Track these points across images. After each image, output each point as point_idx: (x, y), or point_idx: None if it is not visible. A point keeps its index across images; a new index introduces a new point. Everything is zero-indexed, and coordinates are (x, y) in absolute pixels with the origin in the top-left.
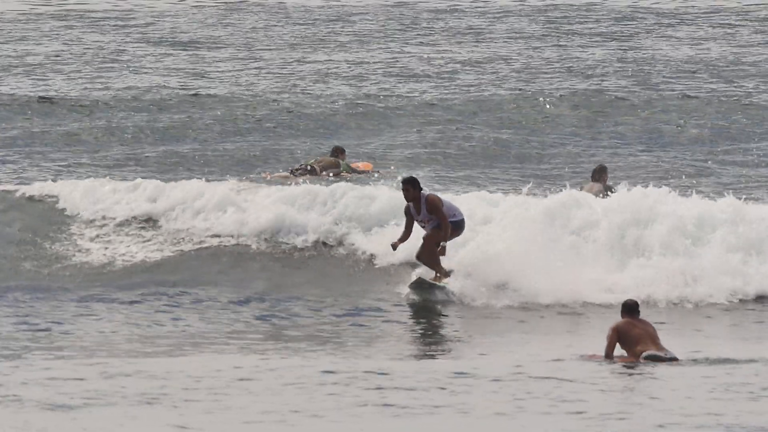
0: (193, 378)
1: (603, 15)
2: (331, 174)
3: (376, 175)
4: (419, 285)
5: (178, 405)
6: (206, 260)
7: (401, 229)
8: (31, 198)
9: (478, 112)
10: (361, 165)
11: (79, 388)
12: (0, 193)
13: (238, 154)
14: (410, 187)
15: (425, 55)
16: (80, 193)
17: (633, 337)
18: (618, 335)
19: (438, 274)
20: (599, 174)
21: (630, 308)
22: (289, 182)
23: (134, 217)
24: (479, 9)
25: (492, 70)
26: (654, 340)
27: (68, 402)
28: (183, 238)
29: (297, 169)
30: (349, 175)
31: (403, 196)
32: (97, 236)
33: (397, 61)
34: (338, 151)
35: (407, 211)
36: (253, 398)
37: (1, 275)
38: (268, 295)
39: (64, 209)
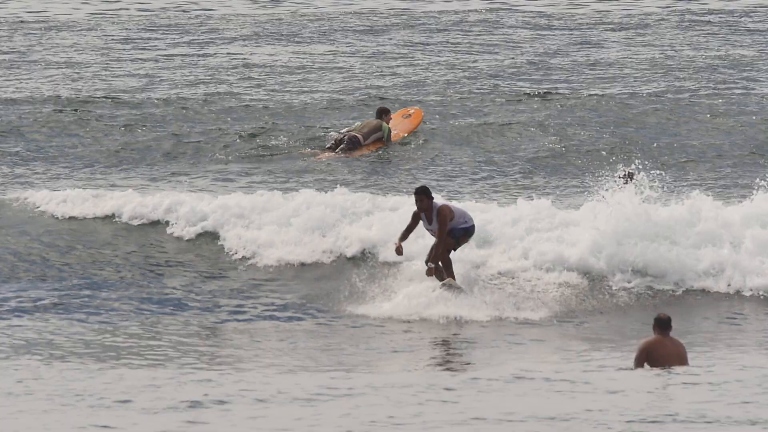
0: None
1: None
2: (371, 147)
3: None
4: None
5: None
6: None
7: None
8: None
9: (501, 112)
10: (412, 112)
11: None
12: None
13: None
14: (424, 197)
15: (426, 52)
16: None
17: (662, 357)
18: (647, 355)
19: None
20: (628, 179)
21: (663, 324)
22: (333, 158)
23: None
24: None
25: (504, 67)
26: (683, 361)
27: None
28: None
29: (340, 140)
30: (388, 145)
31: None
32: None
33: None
34: (383, 112)
35: (416, 216)
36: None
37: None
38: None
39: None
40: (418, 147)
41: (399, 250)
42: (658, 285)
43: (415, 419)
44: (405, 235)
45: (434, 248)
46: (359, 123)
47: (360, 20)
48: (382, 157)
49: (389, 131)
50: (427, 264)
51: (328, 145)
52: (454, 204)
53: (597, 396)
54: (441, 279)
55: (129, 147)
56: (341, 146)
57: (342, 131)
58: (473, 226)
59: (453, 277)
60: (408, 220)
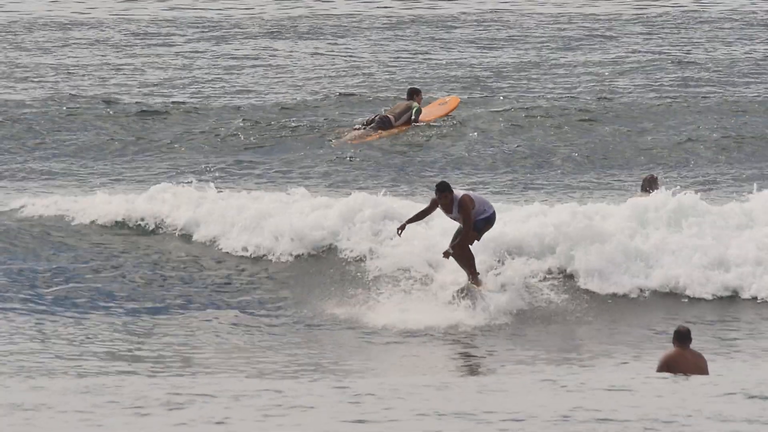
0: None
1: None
2: (401, 127)
3: (444, 120)
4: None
5: None
6: None
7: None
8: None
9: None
10: (447, 101)
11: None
12: None
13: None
14: (449, 193)
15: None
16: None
17: (682, 370)
18: (667, 368)
19: (472, 280)
20: (649, 184)
21: (682, 336)
22: (364, 138)
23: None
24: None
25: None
26: (703, 374)
27: None
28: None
29: (371, 120)
30: (416, 120)
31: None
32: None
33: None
34: (413, 93)
35: (434, 203)
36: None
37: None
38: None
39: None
40: (440, 139)
41: (400, 230)
42: (673, 291)
43: (428, 420)
44: (415, 219)
45: (460, 236)
46: (392, 105)
47: (379, 19)
48: (403, 144)
49: (418, 110)
50: (449, 249)
51: (359, 125)
52: (472, 193)
53: (609, 396)
54: (462, 267)
55: (148, 145)
56: (371, 125)
57: (374, 114)
58: (494, 213)
59: (475, 273)
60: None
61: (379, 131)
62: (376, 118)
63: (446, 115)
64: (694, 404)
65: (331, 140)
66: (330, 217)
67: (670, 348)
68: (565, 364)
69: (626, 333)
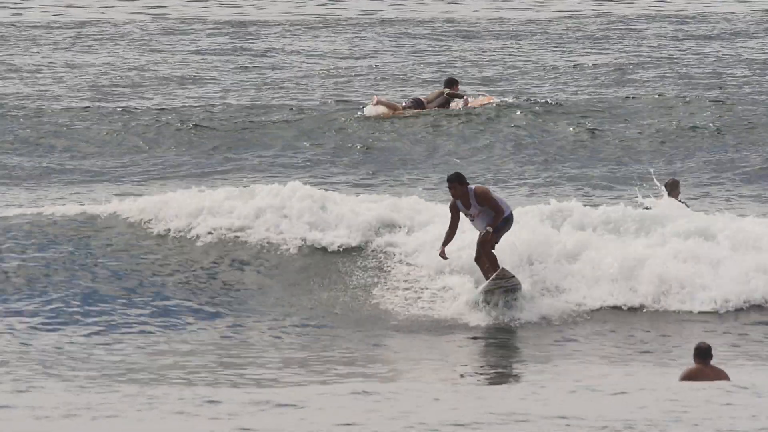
0: None
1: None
2: (436, 107)
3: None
4: (499, 279)
5: None
6: None
7: (445, 228)
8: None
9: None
10: (482, 99)
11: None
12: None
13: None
14: (457, 184)
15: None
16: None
17: None
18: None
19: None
20: (672, 188)
21: (703, 353)
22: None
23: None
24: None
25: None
26: None
27: None
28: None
29: (408, 102)
30: (446, 109)
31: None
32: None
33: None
34: (451, 83)
35: (453, 208)
36: None
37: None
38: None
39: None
40: (460, 131)
41: (443, 255)
42: (692, 302)
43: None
44: (449, 238)
45: (494, 219)
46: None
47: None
48: (425, 132)
49: (450, 94)
50: (488, 228)
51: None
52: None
53: (614, 399)
54: (486, 275)
55: (150, 143)
56: (405, 104)
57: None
58: (511, 213)
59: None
60: (448, 219)
61: (412, 109)
62: (411, 99)
63: (479, 105)
64: (698, 404)
65: (373, 97)
66: (345, 216)
67: (690, 364)
68: (573, 366)
69: (642, 341)
